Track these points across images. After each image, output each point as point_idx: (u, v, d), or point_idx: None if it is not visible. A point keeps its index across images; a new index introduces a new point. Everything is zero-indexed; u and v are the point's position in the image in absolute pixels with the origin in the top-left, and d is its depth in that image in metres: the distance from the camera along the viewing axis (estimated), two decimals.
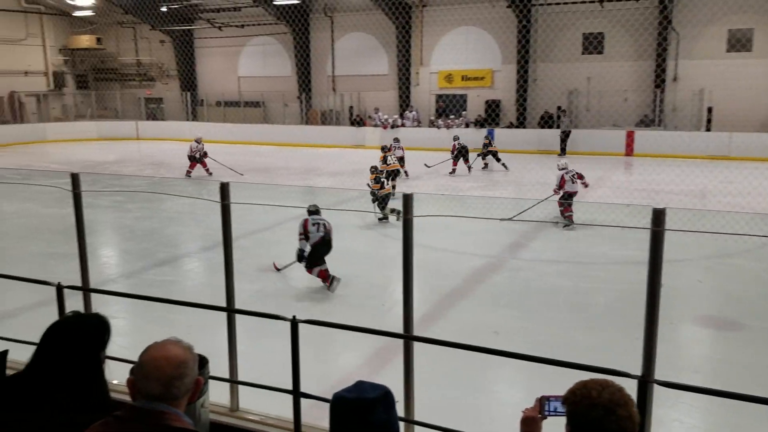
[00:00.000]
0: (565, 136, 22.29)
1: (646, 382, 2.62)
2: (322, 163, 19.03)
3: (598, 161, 19.79)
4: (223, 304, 3.75)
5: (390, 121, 25.34)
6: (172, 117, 30.44)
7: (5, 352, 2.28)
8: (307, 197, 14.16)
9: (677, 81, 22.33)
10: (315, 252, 8.12)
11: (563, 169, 11.68)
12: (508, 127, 24.36)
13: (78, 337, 2.00)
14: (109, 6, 28.54)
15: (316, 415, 3.77)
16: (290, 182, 16.74)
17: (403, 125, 25.28)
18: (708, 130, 21.34)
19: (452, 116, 25.16)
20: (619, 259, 9.49)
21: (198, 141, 18.21)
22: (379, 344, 6.23)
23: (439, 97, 26.34)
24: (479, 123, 24.50)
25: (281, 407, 3.62)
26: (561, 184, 11.54)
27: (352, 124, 26.52)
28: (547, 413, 2.03)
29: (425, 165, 18.12)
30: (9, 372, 2.31)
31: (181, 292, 8.16)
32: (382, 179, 11.97)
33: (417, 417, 3.24)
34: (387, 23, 25.84)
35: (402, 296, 3.39)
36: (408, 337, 3.37)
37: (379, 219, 11.80)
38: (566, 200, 11.26)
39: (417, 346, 3.34)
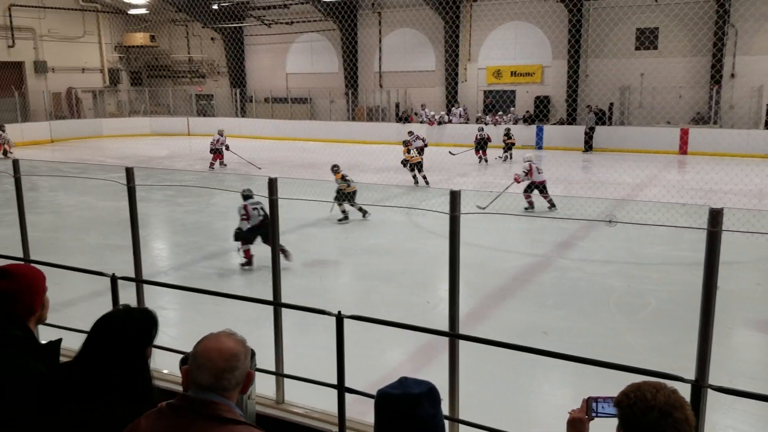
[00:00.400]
0: (590, 132, 22.31)
1: (699, 386, 2.54)
2: (368, 160, 19.06)
3: (651, 159, 19.26)
4: (269, 298, 3.80)
5: (436, 117, 25.22)
6: (221, 113, 31.02)
7: (59, 341, 2.36)
8: None
9: (735, 77, 21.56)
10: (252, 232, 8.92)
11: (528, 161, 12.64)
12: (558, 123, 23.95)
13: (125, 331, 2.04)
14: (163, 4, 29.27)
15: (360, 410, 3.79)
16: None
17: (449, 121, 25.13)
18: (767, 128, 20.53)
19: (500, 112, 24.88)
20: (673, 260, 9.21)
21: (221, 134, 19.01)
22: (423, 342, 6.21)
23: (488, 93, 26.08)
24: (528, 119, 24.16)
25: (324, 401, 3.64)
26: (530, 174, 12.39)
27: (399, 120, 26.51)
28: (594, 414, 2.00)
29: (450, 152, 18.82)
30: (62, 360, 2.38)
31: (228, 285, 8.30)
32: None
33: (461, 416, 3.21)
34: (435, 19, 25.72)
35: (447, 294, 3.35)
36: (454, 335, 3.34)
37: (339, 220, 11.68)
38: (532, 190, 12.46)
39: (462, 345, 3.30)
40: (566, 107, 24.11)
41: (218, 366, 1.76)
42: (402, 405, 1.69)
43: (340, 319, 3.25)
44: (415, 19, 25.85)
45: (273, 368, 3.75)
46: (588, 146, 22.29)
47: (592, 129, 22.30)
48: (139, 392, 2.00)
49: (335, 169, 12.15)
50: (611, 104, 23.28)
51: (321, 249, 10.05)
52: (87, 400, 1.94)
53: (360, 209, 11.75)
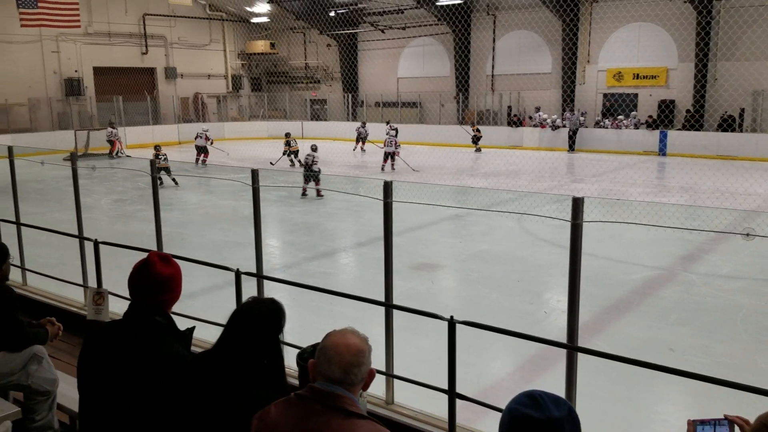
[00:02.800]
0: (573, 134, 23.52)
1: None
2: (477, 164, 18.85)
3: None
4: (376, 298, 3.81)
5: (549, 121, 24.50)
6: (334, 117, 31.86)
7: (193, 329, 2.50)
8: (460, 197, 14.10)
9: None
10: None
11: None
12: (684, 128, 22.53)
13: (260, 320, 2.15)
14: (283, 12, 30.53)
15: (467, 416, 3.71)
16: (442, 182, 16.78)
17: (564, 126, 24.35)
18: None
19: (620, 116, 23.78)
20: None
21: (205, 131, 21.02)
22: (533, 352, 6.00)
23: (607, 96, 25.02)
24: (652, 124, 22.91)
25: (429, 404, 3.60)
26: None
27: (510, 124, 26.01)
28: None
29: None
30: (193, 348, 2.52)
31: (336, 285, 8.43)
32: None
33: None
34: (553, 20, 25.02)
35: (559, 304, 3.20)
36: (573, 348, 3.18)
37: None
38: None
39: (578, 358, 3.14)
40: (693, 112, 22.62)
41: (346, 360, 1.83)
42: (541, 430, 1.53)
43: (452, 324, 3.19)
44: (531, 20, 25.28)
45: (383, 369, 3.75)
46: (571, 148, 23.56)
47: (573, 131, 23.53)
48: (273, 380, 2.11)
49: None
50: (742, 110, 21.59)
51: (428, 253, 10.00)
52: (227, 384, 2.06)
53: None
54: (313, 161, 14.55)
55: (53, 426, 3.12)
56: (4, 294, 3.25)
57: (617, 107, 24.30)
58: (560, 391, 3.10)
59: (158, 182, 5.81)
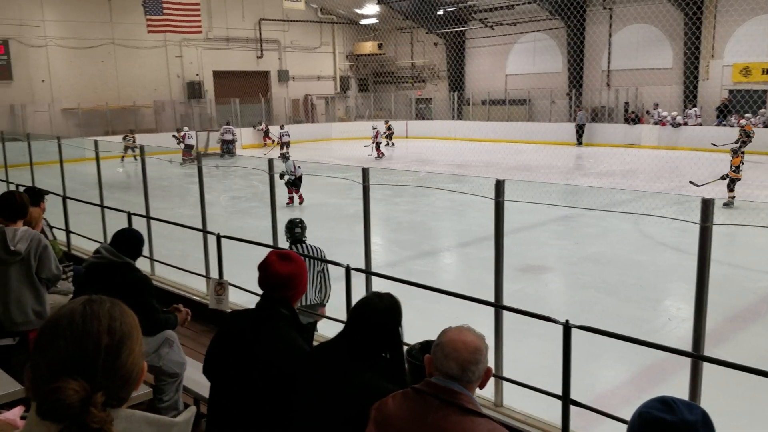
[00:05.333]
0: (579, 130, 24.95)
1: None
2: (590, 163, 18.15)
3: None
4: (480, 299, 3.76)
5: (669, 118, 23.16)
6: (438, 116, 31.81)
7: (315, 323, 2.58)
8: (570, 197, 13.63)
9: None
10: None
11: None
12: None
13: (382, 312, 2.20)
14: (391, 13, 30.87)
15: (579, 424, 3.58)
16: (552, 181, 16.28)
17: (685, 123, 22.92)
18: None
19: (748, 114, 22.08)
20: None
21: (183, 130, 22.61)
22: (649, 361, 5.71)
23: (733, 92, 23.32)
24: None
25: (538, 408, 3.51)
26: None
27: (626, 121, 24.85)
28: None
29: (691, 183, 13.43)
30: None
31: (439, 284, 8.35)
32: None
33: None
34: (674, 13, 23.64)
35: (679, 312, 3.01)
36: (699, 357, 2.98)
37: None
38: None
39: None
40: None
41: (464, 357, 1.83)
42: None
43: (567, 328, 3.09)
44: (650, 14, 24.00)
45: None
46: (578, 140, 24.73)
47: (580, 126, 24.86)
48: (393, 372, 2.15)
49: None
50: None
51: (536, 254, 9.75)
52: (350, 374, 2.13)
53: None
54: (295, 166, 13.80)
55: (179, 407, 3.32)
56: (142, 280, 3.51)
57: (744, 104, 22.56)
58: None
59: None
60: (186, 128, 23.83)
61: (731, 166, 12.89)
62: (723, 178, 12.90)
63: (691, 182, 13.16)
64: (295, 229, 5.49)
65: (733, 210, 12.09)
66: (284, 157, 14.57)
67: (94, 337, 1.11)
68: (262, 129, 26.64)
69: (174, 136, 23.00)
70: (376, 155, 22.91)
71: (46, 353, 1.10)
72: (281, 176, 13.27)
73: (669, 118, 23.11)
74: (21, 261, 3.81)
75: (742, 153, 14.34)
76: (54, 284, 4.33)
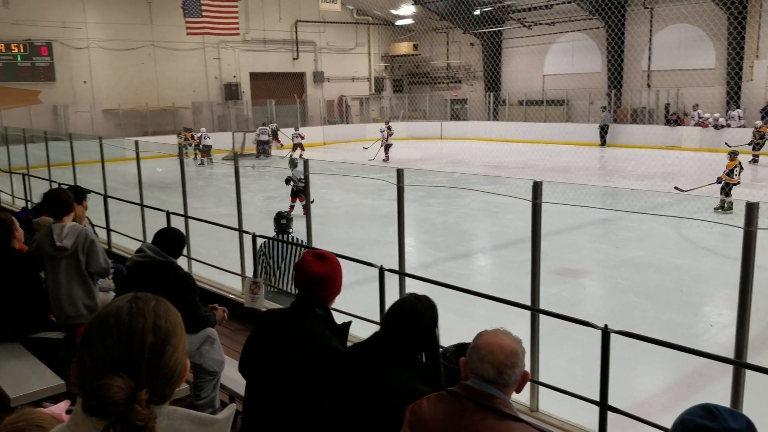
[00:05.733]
0: (603, 130, 24.99)
1: None
2: (630, 165, 17.80)
3: None
4: (515, 302, 3.71)
5: (711, 120, 22.58)
6: (474, 117, 31.62)
7: (349, 323, 2.58)
8: (609, 200, 13.39)
9: None
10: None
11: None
12: None
13: (420, 313, 2.19)
14: (427, 13, 30.80)
15: (616, 431, 3.51)
16: (590, 183, 16.03)
17: (728, 125, 22.32)
18: None
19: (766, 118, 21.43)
20: None
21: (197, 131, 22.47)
22: (689, 368, 5.57)
23: None
24: None
25: (573, 414, 3.45)
26: None
27: (668, 123, 24.33)
28: None
29: (676, 189, 13.08)
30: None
31: (473, 287, 8.30)
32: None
33: None
34: (717, 12, 23.05)
35: (721, 318, 2.93)
36: (741, 364, 2.89)
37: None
38: None
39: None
40: None
41: (500, 360, 1.80)
42: None
43: (606, 333, 3.03)
44: (692, 13, 23.45)
45: None
46: (603, 142, 25.08)
47: (604, 127, 25.10)
48: (429, 374, 2.14)
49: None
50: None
51: (573, 257, 9.60)
52: (386, 375, 2.12)
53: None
54: (300, 179, 11.93)
55: (215, 405, 3.36)
56: (185, 279, 3.56)
57: None
58: None
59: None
60: (203, 129, 24.03)
61: (726, 169, 12.56)
62: (718, 181, 12.58)
63: (676, 188, 12.70)
64: (281, 221, 6.41)
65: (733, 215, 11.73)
66: (292, 163, 13.03)
67: (139, 334, 1.13)
68: (273, 130, 25.96)
69: (179, 135, 23.34)
70: (384, 158, 22.66)
71: (93, 350, 1.11)
72: (287, 182, 12.64)
73: (711, 120, 22.55)
74: (69, 256, 3.91)
75: (756, 156, 13.92)
76: (104, 277, 4.42)
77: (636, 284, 8.19)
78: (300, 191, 12.23)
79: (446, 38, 33.20)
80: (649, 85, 25.86)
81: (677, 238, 10.58)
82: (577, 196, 11.26)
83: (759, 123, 19.11)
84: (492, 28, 29.08)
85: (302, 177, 12.63)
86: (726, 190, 12.34)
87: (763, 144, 17.64)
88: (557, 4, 26.45)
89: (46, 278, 4.00)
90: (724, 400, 2.95)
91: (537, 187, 3.61)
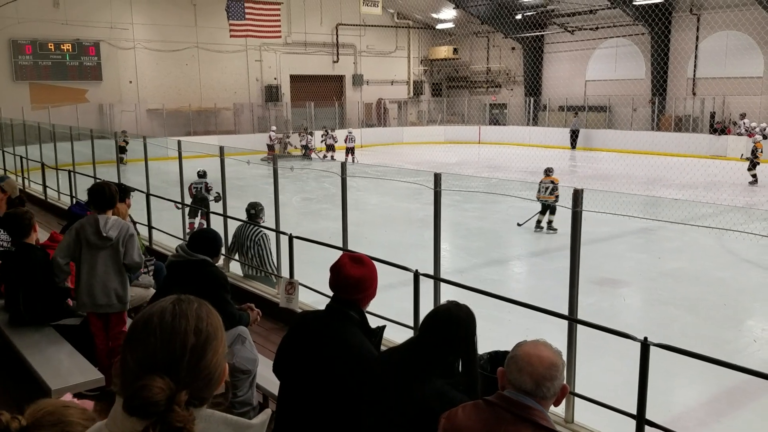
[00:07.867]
0: (573, 134, 26.51)
1: None
2: (672, 174, 17.39)
3: None
4: (553, 311, 3.66)
5: (758, 129, 21.93)
6: (513, 122, 31.34)
7: (383, 327, 2.58)
8: (650, 209, 13.12)
9: None
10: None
11: None
12: None
13: (461, 321, 2.17)
14: (468, 17, 30.68)
15: None
16: (632, 191, 15.70)
17: None
18: None
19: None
20: None
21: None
22: (730, 384, 5.41)
23: None
24: None
25: (608, 427, 3.39)
26: None
27: (713, 131, 23.72)
28: None
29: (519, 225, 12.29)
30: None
31: (507, 294, 8.25)
32: None
33: None
34: (766, 19, 22.40)
35: (766, 333, 2.83)
36: None
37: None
38: None
39: None
40: None
41: (539, 372, 1.77)
42: None
43: (646, 345, 2.97)
44: (740, 20, 22.83)
45: None
46: (573, 145, 26.47)
47: (574, 131, 26.66)
48: (466, 382, 2.12)
49: None
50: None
51: (612, 267, 9.43)
52: (422, 381, 2.11)
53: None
54: (206, 188, 10.99)
55: (252, 403, 3.39)
56: (215, 275, 3.62)
57: None
58: (757, 429, 2.76)
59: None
60: (274, 128, 24.51)
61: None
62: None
63: (518, 224, 12.05)
64: (251, 211, 7.08)
65: None
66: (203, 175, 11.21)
67: (181, 336, 1.14)
68: (305, 133, 25.52)
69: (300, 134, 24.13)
70: (352, 161, 22.72)
71: (137, 349, 1.13)
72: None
73: (758, 129, 21.89)
74: (111, 247, 4.11)
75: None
76: (135, 272, 4.56)
77: (676, 296, 8.01)
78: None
79: (486, 42, 33.01)
80: (694, 93, 25.26)
81: (720, 249, 10.31)
82: (617, 204, 11.07)
83: (758, 137, 18.51)
84: (534, 32, 28.80)
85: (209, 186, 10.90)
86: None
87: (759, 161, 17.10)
88: (601, 9, 26.06)
89: (79, 266, 4.14)
90: (765, 417, 2.86)
91: (577, 195, 3.55)
